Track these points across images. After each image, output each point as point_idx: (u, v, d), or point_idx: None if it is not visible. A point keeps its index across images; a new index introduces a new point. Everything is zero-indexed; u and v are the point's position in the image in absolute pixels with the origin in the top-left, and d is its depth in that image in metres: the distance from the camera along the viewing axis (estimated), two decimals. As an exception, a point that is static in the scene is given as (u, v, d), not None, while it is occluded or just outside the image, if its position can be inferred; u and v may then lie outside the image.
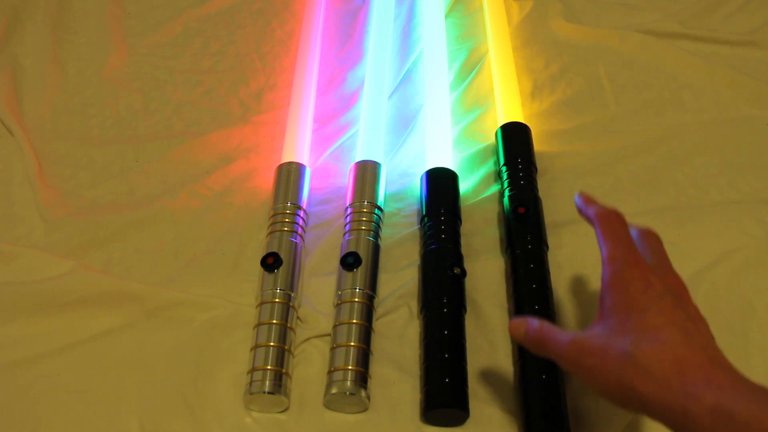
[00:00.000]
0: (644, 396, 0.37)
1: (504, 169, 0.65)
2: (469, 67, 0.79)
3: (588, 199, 0.49)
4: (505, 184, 0.64)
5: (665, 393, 0.36)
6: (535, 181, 0.65)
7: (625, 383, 0.38)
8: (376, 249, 0.59)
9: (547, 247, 0.60)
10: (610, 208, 0.47)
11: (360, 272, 0.56)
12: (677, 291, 0.42)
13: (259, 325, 0.54)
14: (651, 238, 0.47)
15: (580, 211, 0.49)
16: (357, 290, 0.55)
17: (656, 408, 0.37)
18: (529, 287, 0.56)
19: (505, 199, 0.63)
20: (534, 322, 0.44)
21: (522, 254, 0.58)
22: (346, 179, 0.66)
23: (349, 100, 0.76)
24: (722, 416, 0.34)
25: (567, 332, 0.42)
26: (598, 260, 0.60)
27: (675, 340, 0.38)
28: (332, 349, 0.53)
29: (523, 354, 0.53)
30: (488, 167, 0.69)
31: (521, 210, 0.60)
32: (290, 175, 0.64)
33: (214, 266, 0.61)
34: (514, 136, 0.68)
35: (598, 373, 0.39)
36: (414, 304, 0.58)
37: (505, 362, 0.55)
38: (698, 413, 0.35)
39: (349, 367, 0.51)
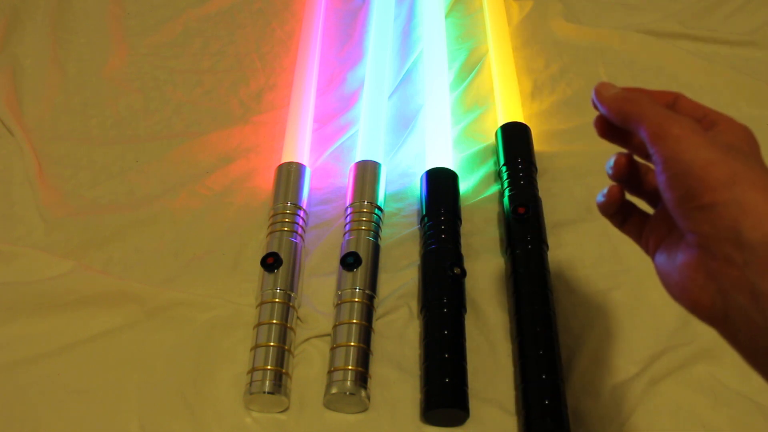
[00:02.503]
0: (753, 201, 0.32)
1: (504, 169, 0.65)
2: (469, 67, 0.80)
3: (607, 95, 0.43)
4: (505, 184, 0.64)
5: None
6: (535, 181, 0.65)
7: (739, 178, 0.33)
8: (376, 249, 0.59)
9: (547, 247, 0.60)
10: (630, 90, 0.43)
11: (360, 272, 0.56)
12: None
13: (259, 325, 0.54)
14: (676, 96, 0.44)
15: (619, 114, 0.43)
16: (357, 290, 0.55)
17: (756, 219, 0.31)
18: (529, 287, 0.56)
19: (505, 199, 0.63)
20: (625, 89, 0.40)
21: (522, 254, 0.58)
22: (346, 179, 0.66)
23: (349, 100, 0.76)
24: None
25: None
26: (598, 260, 0.61)
27: None
28: (332, 349, 0.53)
29: (523, 354, 0.53)
30: (488, 167, 0.69)
31: (521, 210, 0.60)
32: (290, 175, 0.64)
33: (214, 266, 0.61)
34: (514, 136, 0.68)
35: (711, 151, 0.35)
36: (414, 304, 0.58)
37: (505, 362, 0.55)
38: None
39: (349, 367, 0.51)
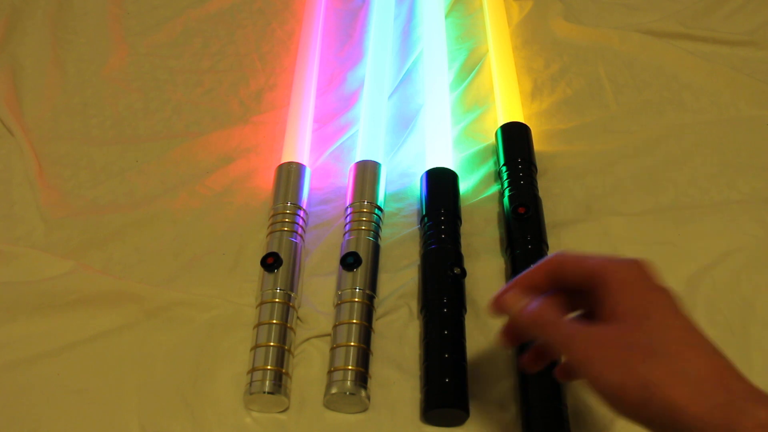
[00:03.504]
0: (676, 403, 0.32)
1: (504, 169, 0.65)
2: (469, 67, 0.80)
3: (521, 278, 0.42)
4: (505, 184, 0.64)
5: (703, 401, 0.32)
6: (535, 181, 0.65)
7: (652, 386, 0.33)
8: (376, 249, 0.59)
9: (547, 247, 0.60)
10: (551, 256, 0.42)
11: (360, 272, 0.56)
12: (675, 294, 0.38)
13: (259, 325, 0.54)
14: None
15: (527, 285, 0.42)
16: (357, 290, 0.55)
17: (688, 417, 0.32)
18: None
19: (505, 199, 0.63)
20: (534, 303, 0.39)
21: (522, 254, 0.58)
22: (346, 179, 0.66)
23: (349, 100, 0.76)
24: None
25: (575, 320, 0.38)
26: (598, 260, 0.61)
27: (704, 346, 0.34)
28: (332, 349, 0.53)
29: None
30: (488, 167, 0.69)
31: (521, 210, 0.60)
32: (290, 175, 0.64)
33: (214, 266, 0.61)
34: (514, 136, 0.68)
35: (617, 368, 0.34)
36: (414, 304, 0.58)
37: (505, 362, 0.55)
38: (747, 427, 0.31)
39: (349, 367, 0.51)
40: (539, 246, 0.59)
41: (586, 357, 0.36)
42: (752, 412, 0.31)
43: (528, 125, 0.69)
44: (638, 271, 0.38)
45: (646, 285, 0.37)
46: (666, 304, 0.36)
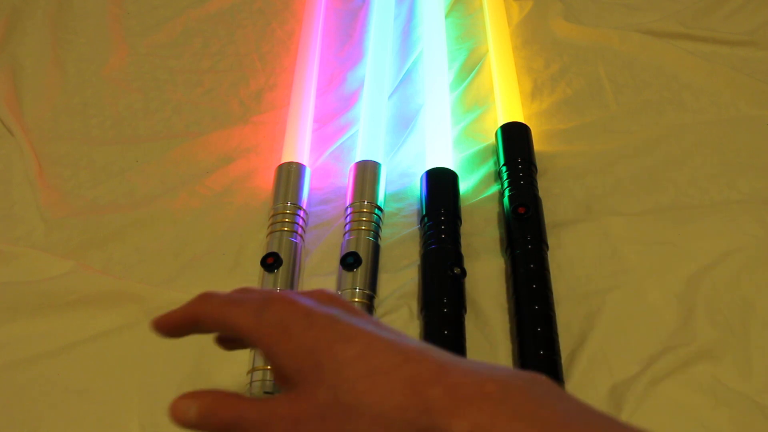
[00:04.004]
0: None
1: (504, 169, 0.65)
2: (469, 67, 0.80)
3: (170, 319, 0.38)
4: (505, 184, 0.64)
5: (484, 421, 0.27)
6: (535, 181, 0.65)
7: None
8: (376, 249, 0.59)
9: (547, 247, 0.60)
10: (194, 299, 0.36)
11: (360, 272, 0.56)
12: (334, 301, 0.33)
13: (259, 325, 0.54)
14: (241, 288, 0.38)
15: (178, 325, 0.38)
16: (357, 290, 0.55)
17: None
18: (529, 287, 0.56)
19: (505, 199, 0.63)
20: (202, 400, 0.33)
21: (522, 254, 0.58)
22: (346, 179, 0.66)
23: (349, 100, 0.76)
24: None
25: (254, 401, 0.32)
26: (598, 260, 0.61)
27: (382, 368, 0.29)
28: (332, 349, 0.53)
29: (523, 354, 0.53)
30: (488, 167, 0.69)
31: (521, 210, 0.60)
32: (290, 175, 0.64)
33: (214, 266, 0.61)
34: (514, 136, 0.68)
35: None
36: (414, 304, 0.58)
37: (505, 362, 0.55)
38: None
39: (349, 367, 0.51)
40: (539, 246, 0.59)
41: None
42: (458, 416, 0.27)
43: (528, 125, 0.69)
44: (284, 313, 0.32)
45: (298, 329, 0.31)
46: (328, 338, 0.31)
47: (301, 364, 0.30)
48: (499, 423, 0.27)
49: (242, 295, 0.34)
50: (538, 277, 0.56)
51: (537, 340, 0.53)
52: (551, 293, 0.56)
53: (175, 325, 0.37)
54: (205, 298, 0.35)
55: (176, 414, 0.34)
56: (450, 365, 0.29)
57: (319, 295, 0.34)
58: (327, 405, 0.29)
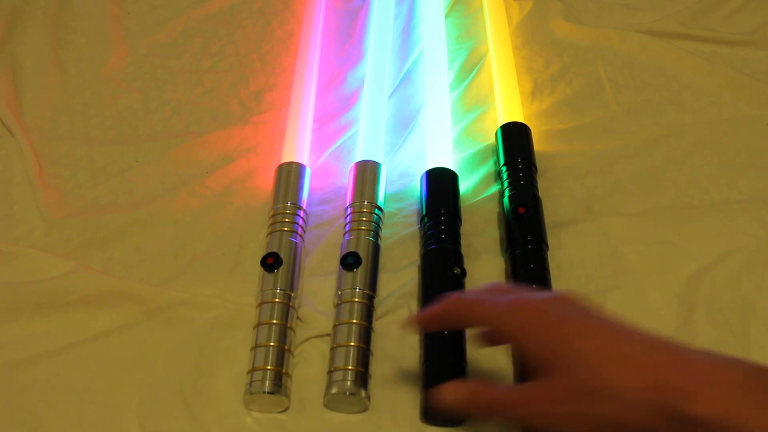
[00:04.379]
0: (699, 416, 0.30)
1: (504, 169, 0.65)
2: (469, 67, 0.80)
3: (428, 314, 0.45)
4: (505, 184, 0.64)
5: (645, 408, 0.31)
6: (535, 181, 0.65)
7: (619, 422, 0.33)
8: (376, 249, 0.59)
9: (547, 247, 0.60)
10: (446, 299, 0.43)
11: (360, 272, 0.56)
12: (576, 302, 0.38)
13: (259, 325, 0.54)
14: (491, 286, 0.44)
15: (436, 325, 0.46)
16: (357, 290, 0.55)
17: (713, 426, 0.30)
18: (529, 287, 0.56)
19: (505, 199, 0.63)
20: (471, 388, 0.39)
21: (522, 254, 0.58)
22: (346, 179, 0.66)
23: (349, 100, 0.76)
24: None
25: (513, 387, 0.38)
26: (599, 260, 0.61)
27: (630, 348, 0.34)
28: (332, 349, 0.53)
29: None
30: (488, 167, 0.69)
31: (521, 210, 0.60)
32: (290, 175, 0.64)
33: (214, 266, 0.61)
34: (514, 136, 0.68)
35: (577, 424, 0.34)
36: (414, 304, 0.58)
37: (505, 362, 0.55)
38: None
39: (349, 367, 0.51)
40: (539, 246, 0.59)
41: (553, 420, 0.36)
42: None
43: (528, 125, 0.69)
44: (532, 314, 0.37)
45: (547, 324, 0.36)
46: (576, 331, 0.36)
47: (546, 356, 0.36)
48: (746, 410, 0.29)
49: (493, 298, 0.40)
50: (538, 277, 0.56)
51: None
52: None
53: (433, 320, 0.44)
54: (456, 300, 0.42)
55: (448, 395, 0.40)
56: (686, 353, 0.33)
57: (558, 299, 0.38)
58: (575, 388, 0.34)
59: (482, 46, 0.82)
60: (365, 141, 0.68)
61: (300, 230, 0.61)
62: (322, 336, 0.55)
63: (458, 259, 0.58)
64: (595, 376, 0.34)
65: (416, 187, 0.67)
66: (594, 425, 0.34)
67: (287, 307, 0.55)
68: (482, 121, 0.74)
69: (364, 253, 0.57)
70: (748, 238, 0.62)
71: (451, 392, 0.41)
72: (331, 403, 0.51)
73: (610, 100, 0.75)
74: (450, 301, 0.42)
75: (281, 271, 0.56)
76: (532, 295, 0.40)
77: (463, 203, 0.65)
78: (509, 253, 0.60)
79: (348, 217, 0.61)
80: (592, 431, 0.34)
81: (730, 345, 0.55)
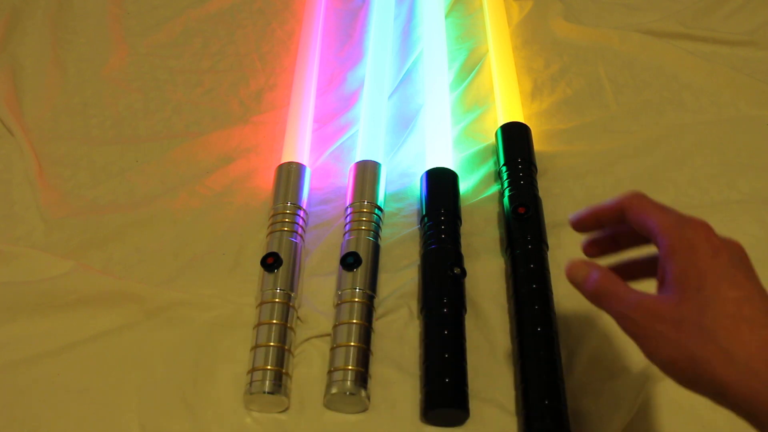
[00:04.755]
0: (724, 382, 0.33)
1: (504, 169, 0.65)
2: (469, 67, 0.80)
3: (593, 205, 0.45)
4: (505, 184, 0.64)
5: (752, 381, 0.32)
6: (535, 181, 0.65)
7: (701, 363, 0.33)
8: (376, 249, 0.59)
9: (547, 247, 0.60)
10: (630, 193, 0.43)
11: (360, 272, 0.56)
12: (743, 257, 0.38)
13: (259, 325, 0.54)
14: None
15: (593, 216, 0.45)
16: (357, 290, 0.55)
17: (737, 396, 0.33)
18: (529, 287, 0.56)
19: (505, 199, 0.63)
20: (595, 272, 0.40)
21: (522, 254, 0.58)
22: (346, 179, 0.66)
23: (349, 100, 0.76)
24: None
25: (634, 290, 0.38)
26: (598, 260, 0.61)
27: (758, 320, 0.34)
28: (332, 349, 0.53)
29: (523, 354, 0.53)
30: (488, 167, 0.69)
31: (521, 210, 0.60)
32: (290, 175, 0.64)
33: (214, 266, 0.61)
34: (514, 136, 0.68)
35: (668, 343, 0.35)
36: (414, 304, 0.58)
37: (505, 362, 0.55)
38: None
39: (349, 367, 0.51)
40: (539, 246, 0.59)
41: (641, 332, 0.36)
42: None
43: (528, 125, 0.69)
44: (700, 234, 0.37)
45: (704, 251, 0.36)
46: (722, 273, 0.36)
47: (691, 280, 0.36)
48: None
49: (667, 207, 0.40)
50: (538, 277, 0.56)
51: (537, 340, 0.53)
52: (551, 293, 0.56)
53: (601, 214, 0.44)
54: (639, 196, 0.41)
55: (577, 273, 0.41)
56: None
57: (733, 245, 0.38)
58: (688, 319, 0.35)
59: (482, 46, 0.82)
60: (365, 141, 0.68)
61: (300, 230, 0.61)
62: (322, 336, 0.55)
63: (458, 259, 0.58)
64: (717, 325, 0.34)
65: (416, 187, 0.67)
66: (673, 362, 0.35)
67: (287, 307, 0.55)
68: (482, 121, 0.74)
69: (364, 253, 0.57)
70: (748, 238, 0.62)
71: (580, 270, 0.41)
72: (331, 403, 0.51)
73: (610, 100, 0.75)
74: (630, 195, 0.42)
75: (281, 271, 0.56)
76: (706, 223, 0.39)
77: (463, 203, 0.65)
78: (509, 253, 0.60)
79: (348, 217, 0.61)
80: (666, 364, 0.36)
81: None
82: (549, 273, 0.58)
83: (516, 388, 0.53)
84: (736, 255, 0.37)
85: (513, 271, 0.58)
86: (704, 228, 0.38)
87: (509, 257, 0.60)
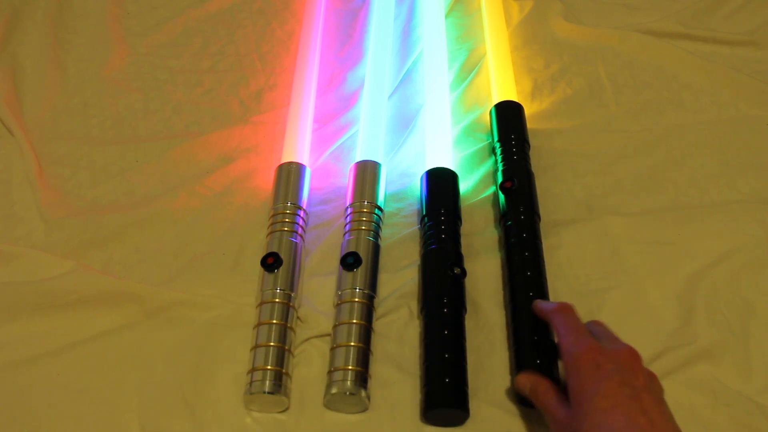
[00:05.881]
0: None
1: (498, 146, 0.67)
2: (469, 67, 0.80)
3: (541, 306, 0.52)
4: (499, 160, 0.66)
5: None
6: (528, 156, 0.66)
7: None
8: (376, 249, 0.59)
9: (539, 218, 0.61)
10: (562, 303, 0.51)
11: (360, 272, 0.56)
12: (625, 365, 0.45)
13: (259, 325, 0.54)
14: (597, 323, 0.51)
15: (540, 316, 0.52)
16: (357, 290, 0.55)
17: None
18: (522, 255, 0.58)
19: (498, 174, 0.65)
20: (541, 384, 0.48)
21: (514, 225, 0.60)
22: (346, 179, 0.66)
23: (349, 100, 0.76)
24: None
25: (560, 405, 0.46)
26: (598, 260, 0.61)
27: (618, 424, 0.41)
28: (332, 349, 0.53)
29: (519, 353, 0.53)
30: (488, 167, 0.69)
31: (508, 184, 0.62)
32: (290, 175, 0.64)
33: (214, 266, 0.61)
34: (508, 115, 0.70)
35: None
36: (414, 304, 0.58)
37: (505, 362, 0.55)
38: None
39: (349, 367, 0.51)
40: (531, 217, 0.60)
41: None
42: None
43: (521, 104, 0.71)
44: (586, 355, 0.45)
45: (586, 371, 0.44)
46: (596, 388, 0.43)
47: (577, 396, 0.44)
48: None
49: (586, 333, 0.48)
50: (529, 246, 0.58)
51: (528, 300, 0.55)
52: (543, 261, 0.58)
53: (539, 312, 0.52)
54: (563, 310, 0.50)
55: (521, 384, 0.50)
56: None
57: (619, 354, 0.46)
58: (578, 430, 0.43)
59: (482, 46, 0.82)
60: (365, 141, 0.68)
61: (300, 230, 0.61)
62: (322, 336, 0.55)
63: (458, 259, 0.58)
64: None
65: (416, 187, 0.67)
66: None
67: (287, 307, 0.55)
68: (482, 121, 0.74)
69: (364, 253, 0.57)
70: (748, 238, 0.62)
71: (523, 382, 0.50)
72: (331, 403, 0.51)
73: (610, 100, 0.75)
74: (560, 309, 0.50)
75: (281, 271, 0.56)
76: (614, 345, 0.47)
77: (463, 203, 0.65)
78: (502, 225, 0.62)
79: (348, 217, 0.61)
80: None
81: (729, 345, 0.55)
82: (541, 242, 0.59)
83: (509, 349, 0.55)
84: (618, 364, 0.44)
85: (506, 242, 0.60)
86: (591, 350, 0.45)
87: (502, 229, 0.61)
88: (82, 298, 0.57)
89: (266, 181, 0.67)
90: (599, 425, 0.41)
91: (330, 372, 0.52)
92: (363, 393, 0.51)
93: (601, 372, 0.44)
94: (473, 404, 0.51)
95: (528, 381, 0.49)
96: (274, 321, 0.54)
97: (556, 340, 0.49)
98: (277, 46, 0.83)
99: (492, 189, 0.67)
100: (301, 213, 0.62)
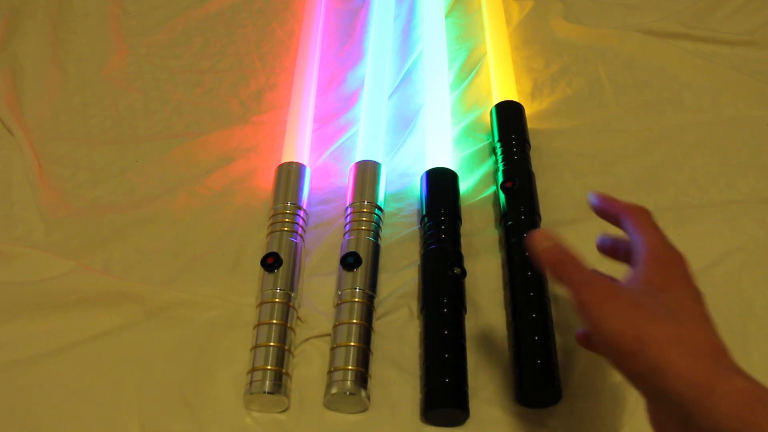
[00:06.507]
0: (666, 361, 0.34)
1: (498, 145, 0.67)
2: (469, 67, 0.80)
3: (609, 198, 0.47)
4: (500, 159, 0.66)
5: (695, 364, 0.34)
6: (529, 156, 0.66)
7: (648, 340, 0.35)
8: (376, 249, 0.59)
9: (540, 218, 0.61)
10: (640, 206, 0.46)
11: (360, 272, 0.56)
12: (703, 300, 0.41)
13: (259, 325, 0.54)
14: None
15: (602, 209, 0.47)
16: (357, 290, 0.55)
17: (673, 376, 0.34)
18: (522, 255, 0.57)
19: (499, 174, 0.64)
20: (557, 245, 0.42)
21: (514, 225, 0.60)
22: (346, 179, 0.66)
23: (349, 100, 0.76)
24: (752, 398, 0.33)
25: (593, 268, 0.41)
26: (599, 260, 0.61)
27: (710, 330, 0.37)
28: (332, 349, 0.53)
29: (519, 353, 0.53)
30: (488, 167, 0.69)
31: (509, 184, 0.62)
32: (290, 175, 0.64)
33: (214, 266, 0.61)
34: (508, 115, 0.70)
35: (621, 317, 0.37)
36: (414, 304, 0.58)
37: (505, 362, 0.55)
38: (727, 391, 0.33)
39: (349, 367, 0.51)
40: (532, 217, 0.60)
41: (595, 301, 0.38)
42: (733, 380, 0.34)
43: (521, 104, 0.71)
44: (680, 259, 0.41)
45: (678, 272, 0.40)
46: (688, 291, 0.39)
47: (660, 283, 0.39)
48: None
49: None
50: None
51: (529, 302, 0.55)
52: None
53: (604, 209, 0.47)
54: (646, 212, 0.45)
55: (538, 242, 0.42)
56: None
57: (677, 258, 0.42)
58: (648, 306, 0.37)
59: (482, 46, 0.82)
60: (365, 141, 0.68)
61: (300, 230, 0.61)
62: (322, 336, 0.55)
63: (458, 259, 0.58)
64: (668, 315, 0.37)
65: (416, 187, 0.67)
66: (620, 333, 0.37)
67: (287, 307, 0.55)
68: (482, 121, 0.74)
69: (364, 253, 0.57)
70: (748, 238, 0.62)
71: (543, 240, 0.42)
72: (331, 403, 0.51)
73: (610, 100, 0.75)
74: (639, 208, 0.45)
75: (281, 271, 0.56)
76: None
77: (463, 203, 0.65)
78: (502, 226, 0.61)
79: (348, 217, 0.61)
80: (611, 334, 0.37)
81: (729, 345, 0.54)
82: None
83: (509, 350, 0.55)
84: (699, 295, 0.40)
85: (506, 242, 0.60)
86: (683, 259, 0.41)
87: (502, 230, 0.61)
88: (82, 298, 0.57)
89: (266, 181, 0.67)
90: (690, 318, 0.37)
91: (330, 372, 0.52)
92: (363, 393, 0.51)
93: (691, 286, 0.40)
94: (473, 404, 0.51)
95: (547, 240, 0.42)
96: (274, 321, 0.54)
97: (630, 237, 0.44)
98: (277, 46, 0.83)
99: (492, 189, 0.67)
100: (301, 213, 0.62)
